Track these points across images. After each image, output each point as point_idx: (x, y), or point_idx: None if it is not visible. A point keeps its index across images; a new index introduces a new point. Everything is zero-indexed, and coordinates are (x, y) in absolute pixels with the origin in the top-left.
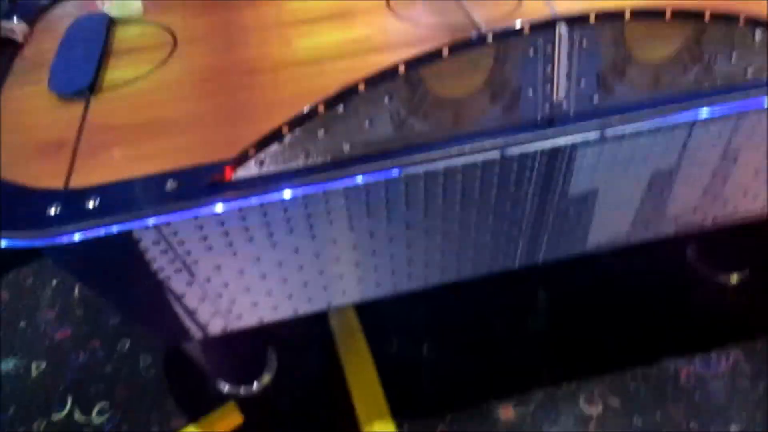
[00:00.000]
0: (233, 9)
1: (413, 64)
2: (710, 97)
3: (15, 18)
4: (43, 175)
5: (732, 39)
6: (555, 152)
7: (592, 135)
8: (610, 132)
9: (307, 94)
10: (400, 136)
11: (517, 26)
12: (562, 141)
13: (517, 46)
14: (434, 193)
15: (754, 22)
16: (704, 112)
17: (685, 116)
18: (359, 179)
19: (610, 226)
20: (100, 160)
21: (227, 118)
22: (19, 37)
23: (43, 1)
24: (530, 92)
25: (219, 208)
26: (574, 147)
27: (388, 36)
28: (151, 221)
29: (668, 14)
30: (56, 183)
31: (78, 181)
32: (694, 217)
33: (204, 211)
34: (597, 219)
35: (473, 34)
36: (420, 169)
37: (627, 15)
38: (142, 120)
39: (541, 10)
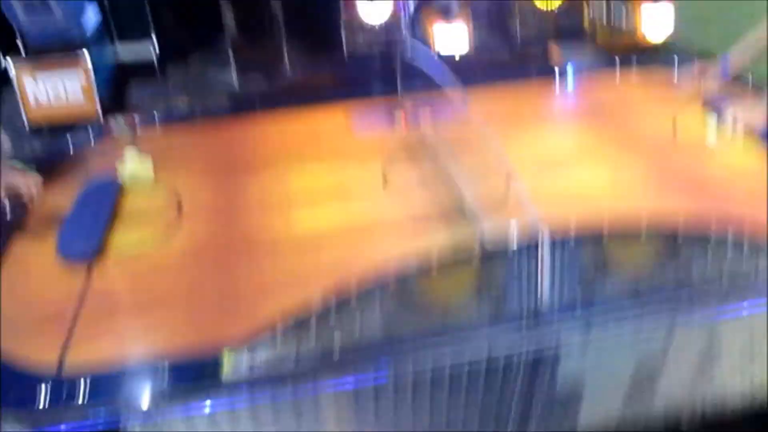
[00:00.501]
0: (239, 181)
1: (405, 267)
2: (686, 302)
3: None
4: (40, 348)
5: (705, 251)
6: (539, 352)
7: (574, 337)
8: (592, 334)
9: (304, 276)
10: (390, 335)
11: (506, 236)
12: (545, 342)
13: (505, 250)
14: (421, 392)
15: (723, 236)
16: (682, 318)
17: (662, 319)
18: (348, 380)
19: (598, 415)
20: (96, 332)
21: (223, 296)
22: (33, 191)
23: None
24: (515, 295)
25: (208, 408)
26: (557, 347)
27: (385, 217)
28: (139, 417)
29: (644, 227)
30: (51, 357)
31: (73, 357)
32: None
33: (193, 410)
34: (584, 410)
35: (459, 246)
36: (408, 369)
37: (606, 228)
38: (142, 291)
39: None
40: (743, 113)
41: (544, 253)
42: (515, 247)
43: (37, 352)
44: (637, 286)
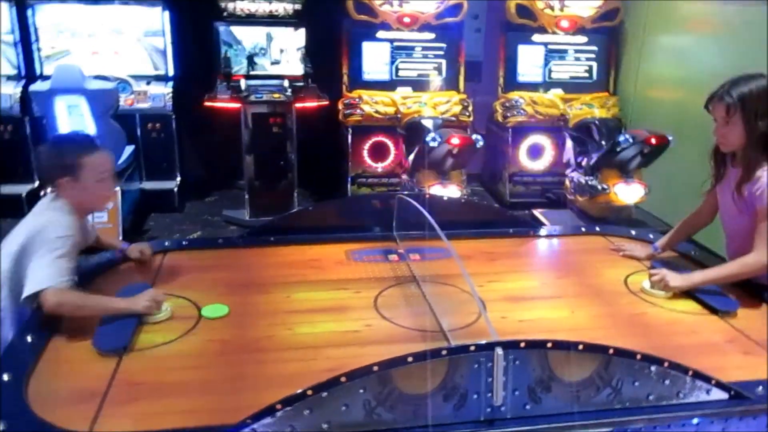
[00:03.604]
0: (249, 294)
1: (384, 365)
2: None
3: None
4: (74, 418)
5: (633, 370)
6: None
7: None
8: None
9: (302, 374)
10: (371, 421)
11: (466, 344)
12: None
13: (466, 359)
14: None
15: (650, 359)
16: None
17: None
18: None
19: None
20: (122, 411)
21: (233, 388)
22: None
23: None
24: (474, 396)
25: None
26: None
27: (373, 331)
28: None
29: (581, 346)
30: (83, 426)
31: (101, 428)
32: None
33: None
34: None
35: (429, 350)
36: None
37: (549, 344)
38: (163, 381)
39: (498, 323)
40: (662, 280)
41: (499, 366)
42: (476, 360)
43: (70, 424)
44: (579, 399)
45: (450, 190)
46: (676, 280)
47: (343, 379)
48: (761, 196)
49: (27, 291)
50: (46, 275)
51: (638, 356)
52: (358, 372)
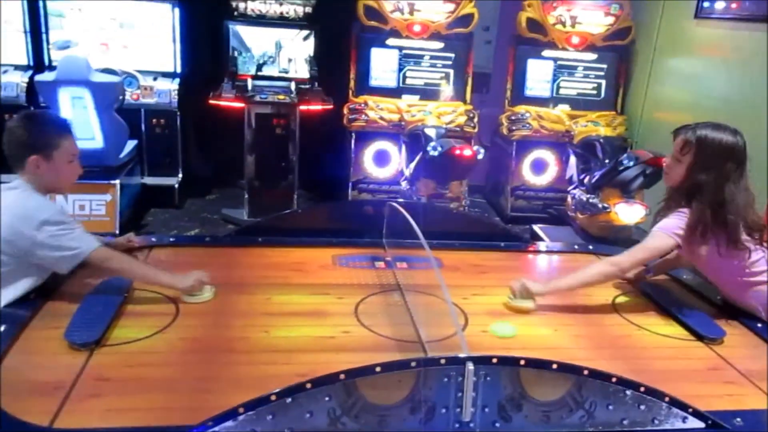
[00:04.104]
0: (230, 293)
1: (352, 373)
2: None
3: None
4: (35, 411)
5: (607, 393)
6: None
7: None
8: None
9: (272, 377)
10: (335, 430)
11: (437, 357)
12: None
13: (436, 372)
14: None
15: (626, 383)
16: None
17: None
18: None
19: None
20: (85, 407)
21: (201, 388)
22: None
23: None
24: (443, 411)
25: None
26: None
27: (350, 338)
28: None
29: (555, 366)
30: (44, 420)
31: (62, 423)
32: None
33: None
34: None
35: (398, 361)
36: None
37: (522, 362)
38: (131, 378)
39: (477, 337)
40: (522, 286)
41: (469, 381)
42: (447, 374)
43: (30, 417)
44: (550, 419)
45: (450, 201)
46: (537, 286)
47: (308, 385)
48: (660, 222)
49: (73, 260)
50: (87, 242)
51: (613, 379)
52: (324, 379)
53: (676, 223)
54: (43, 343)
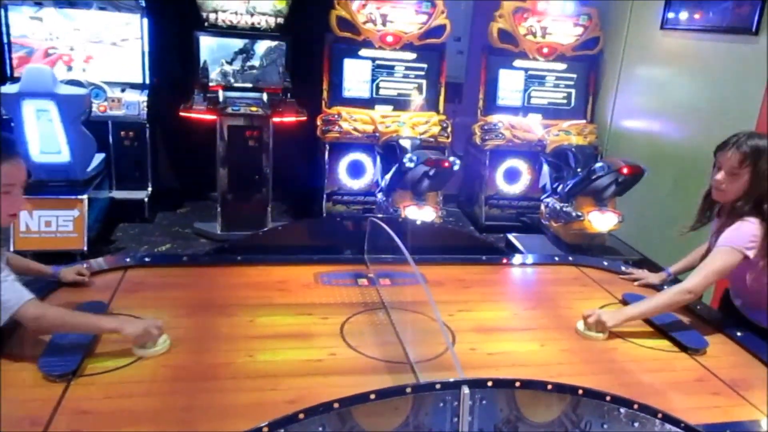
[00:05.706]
0: (211, 315)
1: (346, 401)
2: None
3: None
4: None
5: (602, 412)
6: None
7: None
8: None
9: (260, 405)
10: None
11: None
12: None
13: (431, 397)
14: None
15: (620, 400)
16: None
17: None
18: None
19: None
20: None
21: (186, 418)
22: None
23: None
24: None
25: None
26: None
27: (338, 361)
28: None
29: (549, 386)
30: None
31: None
32: None
33: None
34: None
35: (393, 387)
36: None
37: (518, 383)
38: (111, 410)
39: (466, 355)
40: (598, 320)
41: (465, 405)
42: (442, 399)
43: None
44: None
45: (425, 211)
46: (612, 319)
47: (301, 415)
48: (726, 236)
49: (5, 315)
50: (16, 296)
51: (608, 398)
52: (317, 408)
53: (744, 236)
54: (17, 375)
